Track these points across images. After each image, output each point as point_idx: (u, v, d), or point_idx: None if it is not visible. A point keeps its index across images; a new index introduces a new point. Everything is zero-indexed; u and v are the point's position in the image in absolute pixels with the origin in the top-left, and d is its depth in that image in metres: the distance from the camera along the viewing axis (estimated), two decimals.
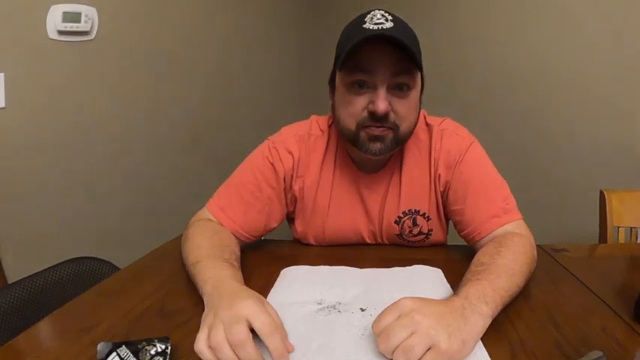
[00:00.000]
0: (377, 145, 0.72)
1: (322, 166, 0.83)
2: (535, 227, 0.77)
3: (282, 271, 0.74)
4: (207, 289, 0.58)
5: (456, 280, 0.63)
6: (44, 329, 0.59)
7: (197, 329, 0.49)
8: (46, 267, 0.87)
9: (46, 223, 1.34)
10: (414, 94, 0.72)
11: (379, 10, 0.69)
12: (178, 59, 1.70)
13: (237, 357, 0.45)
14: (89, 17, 1.32)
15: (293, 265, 0.76)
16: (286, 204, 0.86)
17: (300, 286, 0.68)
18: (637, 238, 1.09)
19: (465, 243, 0.82)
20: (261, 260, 0.80)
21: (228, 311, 0.49)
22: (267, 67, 2.20)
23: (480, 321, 0.51)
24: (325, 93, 0.81)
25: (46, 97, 1.28)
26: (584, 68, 1.59)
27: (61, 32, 1.27)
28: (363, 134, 0.72)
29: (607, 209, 1.10)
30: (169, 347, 0.49)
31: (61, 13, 1.25)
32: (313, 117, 0.87)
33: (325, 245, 0.88)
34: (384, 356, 0.48)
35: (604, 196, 1.11)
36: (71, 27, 1.27)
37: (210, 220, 0.80)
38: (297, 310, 0.60)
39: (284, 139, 0.83)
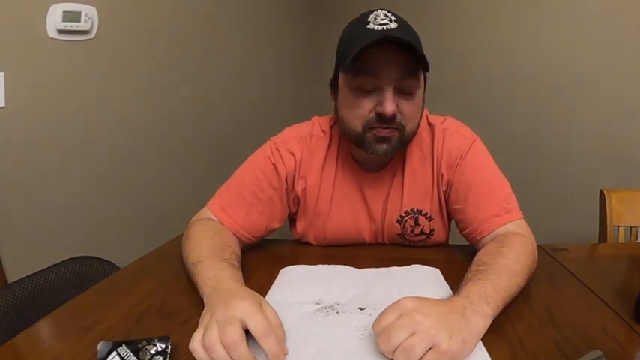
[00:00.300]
0: (383, 146, 0.72)
1: (324, 166, 0.83)
2: (535, 227, 0.77)
3: (280, 271, 0.74)
4: (206, 289, 0.58)
5: (456, 280, 0.63)
6: (44, 329, 0.59)
7: (197, 329, 0.50)
8: (46, 267, 0.87)
9: (46, 223, 1.33)
10: (419, 94, 0.72)
11: (382, 9, 0.69)
12: (178, 59, 1.70)
13: (230, 358, 0.45)
14: (89, 16, 1.32)
15: (293, 264, 0.76)
16: (288, 205, 0.86)
17: (298, 286, 0.68)
18: (637, 237, 1.09)
19: (466, 242, 0.82)
20: (261, 260, 0.80)
21: (224, 312, 0.49)
22: (270, 67, 2.20)
23: (481, 321, 0.51)
24: (327, 94, 0.81)
25: (46, 97, 1.28)
26: (584, 68, 1.59)
27: (61, 31, 1.26)
28: (369, 135, 0.72)
29: (607, 209, 1.10)
30: (169, 346, 0.49)
31: (61, 13, 1.24)
32: (315, 118, 0.87)
33: (325, 245, 0.88)
34: (384, 356, 0.48)
35: (604, 195, 1.11)
36: (71, 26, 1.27)
37: (212, 219, 0.80)
38: (295, 311, 0.60)
39: (286, 140, 0.83)
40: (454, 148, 0.80)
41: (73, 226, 1.41)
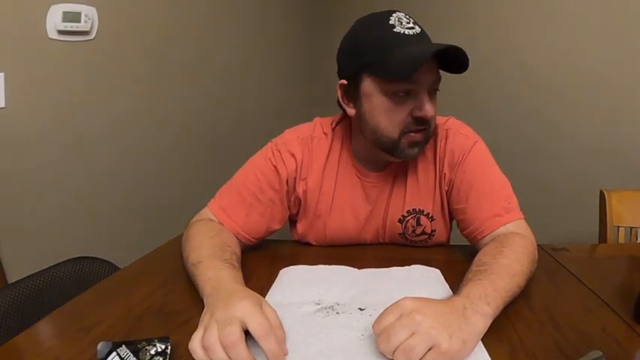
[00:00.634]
0: (415, 150, 0.74)
1: (325, 168, 0.83)
2: (535, 227, 0.77)
3: (280, 271, 0.74)
4: (207, 289, 0.58)
5: (456, 280, 0.63)
6: (44, 329, 0.59)
7: (197, 329, 0.50)
8: (46, 267, 0.87)
9: (46, 223, 1.33)
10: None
11: (398, 11, 0.70)
12: (179, 59, 1.70)
13: (229, 358, 0.45)
14: (89, 17, 1.32)
15: (294, 265, 0.76)
16: (289, 207, 0.86)
17: (298, 286, 0.68)
18: (637, 238, 1.09)
19: (466, 243, 0.82)
20: (261, 260, 0.80)
21: (224, 312, 0.49)
22: (271, 68, 2.20)
23: (481, 321, 0.51)
24: (327, 94, 0.80)
25: (46, 97, 1.28)
26: (584, 68, 1.59)
27: (61, 32, 1.27)
28: (404, 141, 0.73)
29: (607, 209, 1.10)
30: (169, 347, 0.49)
31: (61, 13, 1.24)
32: (316, 119, 0.87)
33: (325, 245, 0.88)
34: (384, 356, 0.48)
35: (604, 196, 1.11)
36: (71, 27, 1.27)
37: (212, 220, 0.80)
38: (295, 311, 0.60)
39: (287, 142, 0.83)
40: (456, 147, 0.80)
41: (73, 226, 1.41)
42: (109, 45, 1.41)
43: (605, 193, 1.11)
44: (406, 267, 0.74)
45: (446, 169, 0.81)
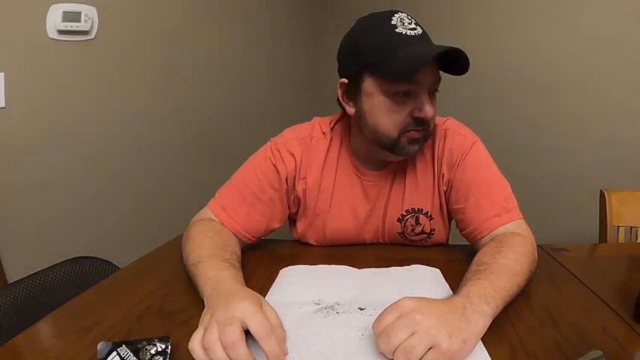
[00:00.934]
0: (415, 147, 0.75)
1: (324, 167, 0.83)
2: (535, 227, 0.77)
3: (280, 271, 0.74)
4: (207, 289, 0.58)
5: (456, 279, 0.63)
6: (44, 329, 0.59)
7: (197, 329, 0.50)
8: (46, 267, 0.87)
9: (46, 222, 1.33)
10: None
11: (399, 11, 0.71)
12: (178, 59, 1.70)
13: (229, 358, 0.45)
14: (89, 17, 1.32)
15: (293, 264, 0.76)
16: (288, 205, 0.86)
17: (298, 286, 0.68)
18: (637, 237, 1.09)
19: (466, 242, 0.82)
20: (261, 260, 0.80)
21: (224, 312, 0.49)
22: (270, 68, 2.20)
23: (481, 320, 0.51)
24: (327, 94, 0.81)
25: (46, 97, 1.28)
26: (584, 68, 1.59)
27: (61, 32, 1.26)
28: (404, 139, 0.73)
29: (607, 209, 1.10)
30: (169, 347, 0.49)
31: (61, 13, 1.24)
32: (315, 119, 0.88)
33: (325, 245, 0.88)
34: (384, 356, 0.48)
35: (604, 195, 1.11)
36: (71, 26, 1.27)
37: (212, 219, 0.80)
38: (295, 311, 0.60)
39: (286, 141, 0.84)
40: (455, 148, 0.80)
41: (73, 226, 1.41)
42: (109, 45, 1.41)
43: (605, 193, 1.11)
44: (406, 267, 0.74)
45: (444, 170, 0.81)
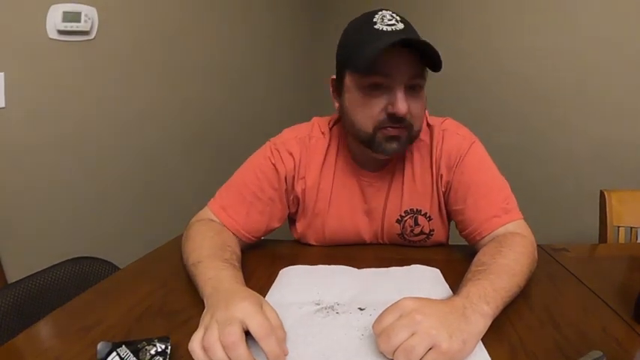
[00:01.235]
0: (393, 145, 0.73)
1: (323, 167, 0.83)
2: (535, 227, 0.77)
3: (280, 271, 0.74)
4: (207, 289, 0.58)
5: (456, 280, 0.63)
6: (44, 329, 0.59)
7: (197, 329, 0.50)
8: (45, 267, 0.87)
9: (46, 222, 1.33)
10: (424, 93, 0.74)
11: (385, 10, 0.70)
12: (178, 59, 1.70)
13: (229, 358, 0.45)
14: (89, 17, 1.32)
15: (293, 264, 0.76)
16: (288, 205, 0.86)
17: (298, 286, 0.68)
18: (637, 238, 1.09)
19: (465, 243, 0.82)
20: (261, 260, 0.80)
21: (225, 312, 0.49)
22: (270, 68, 2.20)
23: (481, 321, 0.51)
24: (327, 94, 0.81)
25: (46, 97, 1.28)
26: (583, 68, 1.59)
27: (61, 32, 1.27)
28: (379, 135, 0.72)
29: (607, 209, 1.10)
30: (169, 347, 0.49)
31: (61, 13, 1.24)
32: (314, 119, 0.88)
33: (325, 245, 0.88)
34: (384, 356, 0.48)
35: (604, 196, 1.11)
36: (71, 27, 1.27)
37: (212, 220, 0.80)
38: (295, 311, 0.60)
39: (285, 141, 0.84)
40: (453, 148, 0.80)
41: (73, 226, 1.41)
42: (109, 45, 1.41)
43: (605, 193, 1.11)
44: (406, 267, 0.74)
45: (443, 171, 0.81)
